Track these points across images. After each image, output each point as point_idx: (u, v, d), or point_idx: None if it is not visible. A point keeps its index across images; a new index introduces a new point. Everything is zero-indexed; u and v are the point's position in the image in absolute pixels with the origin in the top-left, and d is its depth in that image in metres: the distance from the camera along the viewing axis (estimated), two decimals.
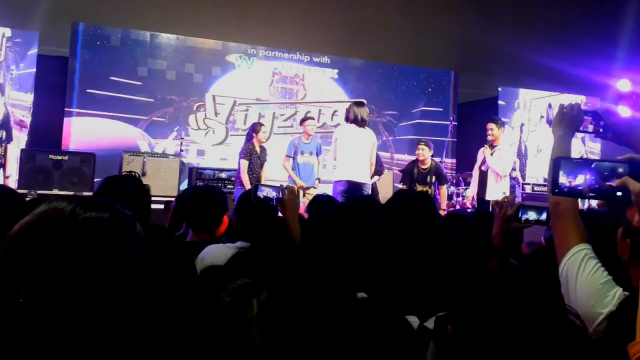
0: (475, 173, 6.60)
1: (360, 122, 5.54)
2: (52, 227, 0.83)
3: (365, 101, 6.14)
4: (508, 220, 2.07)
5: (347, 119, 5.63)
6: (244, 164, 6.65)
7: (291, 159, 6.84)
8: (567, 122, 1.83)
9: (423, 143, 6.97)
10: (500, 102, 9.55)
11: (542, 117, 9.77)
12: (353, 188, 5.47)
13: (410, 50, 9.40)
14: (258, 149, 6.79)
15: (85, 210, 0.86)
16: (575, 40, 9.49)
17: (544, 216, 1.97)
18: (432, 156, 6.97)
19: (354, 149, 5.58)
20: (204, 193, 2.77)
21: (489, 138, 6.47)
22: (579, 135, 1.94)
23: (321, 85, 9.20)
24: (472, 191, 6.66)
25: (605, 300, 1.46)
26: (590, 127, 1.82)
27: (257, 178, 6.70)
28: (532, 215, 2.00)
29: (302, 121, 7.20)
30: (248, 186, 6.47)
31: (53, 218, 0.85)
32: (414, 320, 1.59)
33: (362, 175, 5.57)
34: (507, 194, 6.41)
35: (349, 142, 5.59)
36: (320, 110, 9.08)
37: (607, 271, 1.53)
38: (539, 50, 9.21)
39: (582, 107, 1.87)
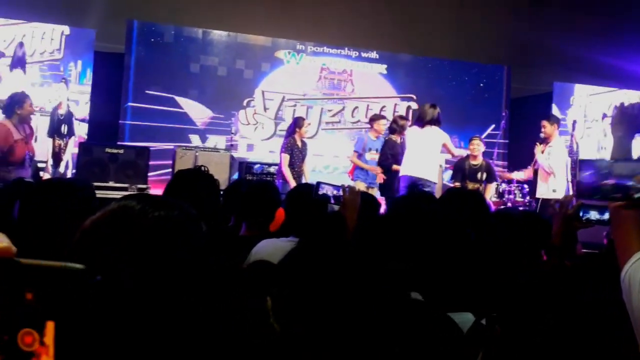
0: (530, 171, 6.57)
1: (427, 122, 5.89)
2: (122, 224, 0.87)
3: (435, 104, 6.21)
4: (569, 219, 2.03)
5: (416, 120, 6.00)
6: (286, 158, 6.69)
7: (359, 155, 6.85)
8: (628, 123, 1.75)
9: (477, 138, 6.92)
10: (554, 98, 9.29)
11: (604, 115, 9.40)
12: (414, 183, 5.67)
13: (461, 45, 9.25)
14: (299, 144, 6.82)
15: (155, 209, 0.89)
16: (632, 35, 9.14)
17: (606, 216, 1.91)
18: (483, 153, 6.91)
19: (419, 146, 5.87)
20: (259, 188, 2.78)
21: (542, 135, 6.42)
22: None
23: (370, 80, 9.16)
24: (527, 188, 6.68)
25: None
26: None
27: (299, 172, 6.74)
28: (593, 215, 1.96)
29: (373, 120, 7.15)
30: (290, 180, 6.55)
31: (123, 215, 0.88)
32: (468, 318, 1.58)
33: (427, 172, 5.81)
34: (557, 192, 6.28)
35: (415, 140, 5.93)
36: (368, 105, 9.05)
37: None
38: (594, 45, 8.92)
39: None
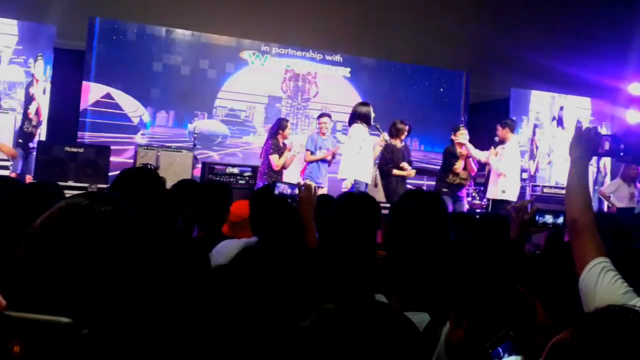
0: (489, 153, 6.84)
1: (353, 120, 6.01)
2: (70, 221, 0.89)
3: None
4: (526, 224, 2.12)
5: (357, 118, 5.89)
6: (275, 158, 6.71)
7: (312, 154, 6.90)
8: (585, 144, 1.83)
9: (462, 127, 7.06)
10: (511, 103, 9.58)
11: (553, 118, 9.78)
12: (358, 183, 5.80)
13: (422, 50, 9.43)
14: (281, 144, 6.88)
15: (101, 205, 0.91)
16: (586, 43, 9.50)
17: (560, 220, 2.01)
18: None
19: (364, 148, 5.92)
20: (214, 188, 2.81)
21: (496, 139, 6.71)
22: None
23: (333, 83, 9.26)
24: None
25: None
26: (609, 147, 1.84)
27: (277, 173, 6.80)
28: (549, 219, 2.05)
29: (318, 118, 7.27)
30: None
31: (71, 212, 0.91)
32: (424, 318, 1.64)
33: (353, 172, 5.96)
34: (507, 192, 6.52)
35: (361, 141, 5.95)
36: (331, 108, 9.14)
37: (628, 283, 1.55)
38: (550, 53, 9.23)
39: (599, 131, 1.88)
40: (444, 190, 6.63)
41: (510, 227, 2.29)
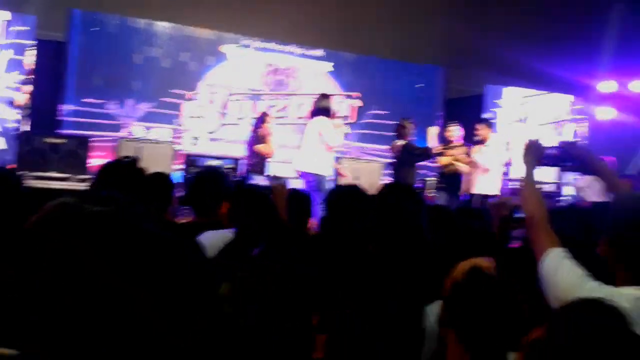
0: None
1: (314, 113, 6.13)
2: (60, 222, 0.87)
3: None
4: (504, 220, 2.29)
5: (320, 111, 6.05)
6: (263, 147, 6.86)
7: None
8: (532, 154, 2.08)
9: (453, 124, 7.23)
10: (485, 100, 9.78)
11: (524, 117, 9.99)
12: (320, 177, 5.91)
13: (402, 45, 9.56)
14: (264, 137, 6.97)
15: (91, 205, 0.89)
16: (558, 42, 9.73)
17: None
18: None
19: (305, 138, 6.18)
20: (203, 175, 2.90)
21: (477, 138, 6.87)
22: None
23: (315, 78, 9.34)
24: (464, 186, 7.03)
25: (583, 292, 1.59)
26: (554, 157, 2.09)
27: (262, 164, 6.91)
28: None
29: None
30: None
31: (61, 213, 0.88)
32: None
33: (309, 164, 6.04)
34: (492, 188, 6.72)
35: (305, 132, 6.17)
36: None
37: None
38: (525, 50, 9.43)
39: (542, 143, 2.11)
40: (441, 185, 6.91)
41: (491, 222, 2.42)
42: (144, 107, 8.36)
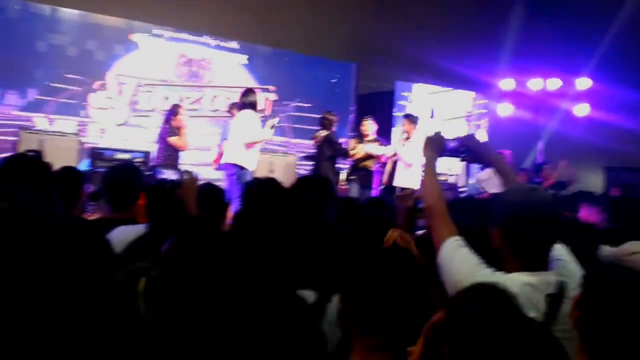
0: (389, 163, 7.18)
1: (241, 107, 6.14)
2: None
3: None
4: (410, 211, 2.32)
5: (247, 106, 6.04)
6: (176, 139, 6.76)
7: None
8: (433, 147, 2.17)
9: (368, 119, 7.33)
10: (396, 95, 10.11)
11: (432, 112, 10.44)
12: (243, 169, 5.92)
13: (316, 40, 9.66)
14: (176, 130, 6.86)
15: None
16: (464, 41, 10.25)
17: None
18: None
19: (231, 132, 6.15)
20: (117, 169, 2.81)
21: (404, 134, 7.10)
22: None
23: (229, 70, 9.25)
24: (384, 178, 7.23)
25: (477, 278, 1.68)
26: (454, 149, 2.20)
27: (176, 157, 6.79)
28: None
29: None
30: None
31: None
32: (308, 294, 1.78)
33: (236, 158, 6.01)
34: (415, 182, 6.94)
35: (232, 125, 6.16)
36: (227, 95, 9.15)
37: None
38: (432, 48, 9.86)
39: (443, 135, 2.21)
40: (353, 177, 7.05)
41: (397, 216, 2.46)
42: (48, 97, 7.93)
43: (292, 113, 9.71)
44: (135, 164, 5.48)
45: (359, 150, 7.19)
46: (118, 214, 2.63)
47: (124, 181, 2.68)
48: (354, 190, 7.02)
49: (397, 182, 7.03)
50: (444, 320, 0.92)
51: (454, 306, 0.95)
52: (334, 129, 7.10)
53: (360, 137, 7.38)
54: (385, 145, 7.37)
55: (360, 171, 7.18)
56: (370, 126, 7.28)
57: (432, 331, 0.93)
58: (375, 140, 7.30)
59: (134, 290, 0.80)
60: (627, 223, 3.26)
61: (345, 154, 7.08)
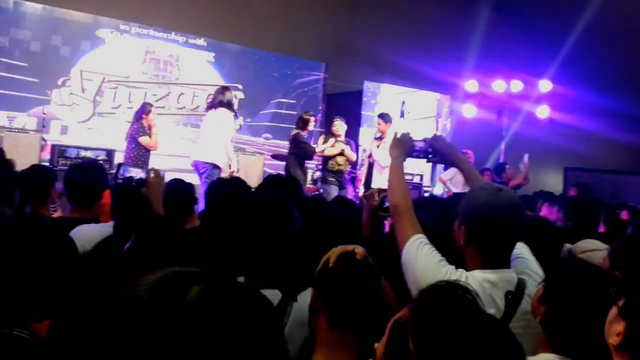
0: (365, 163, 7.19)
1: (213, 105, 6.12)
2: None
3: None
4: (374, 210, 2.34)
5: (222, 104, 6.04)
6: (147, 139, 6.67)
7: None
8: (401, 147, 2.20)
9: (337, 118, 7.29)
10: (364, 95, 10.18)
11: (402, 112, 10.56)
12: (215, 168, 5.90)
13: (285, 39, 9.68)
14: (147, 128, 6.79)
15: None
16: (430, 43, 10.41)
17: None
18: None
19: (204, 130, 6.20)
20: (81, 168, 2.77)
21: (377, 133, 7.12)
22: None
23: (197, 67, 9.18)
24: (362, 180, 7.24)
25: (440, 275, 1.73)
26: (421, 149, 2.24)
27: (147, 157, 6.71)
28: None
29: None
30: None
31: None
32: (275, 294, 1.77)
33: (208, 155, 6.01)
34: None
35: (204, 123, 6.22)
36: (194, 92, 9.09)
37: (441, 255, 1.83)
38: (400, 50, 9.99)
39: (412, 137, 2.24)
40: (330, 179, 7.01)
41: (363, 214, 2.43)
42: (8, 93, 7.73)
43: (262, 112, 9.69)
44: (98, 162, 5.38)
45: (330, 146, 7.09)
46: (79, 213, 2.59)
47: (85, 180, 2.63)
48: (328, 191, 6.96)
49: (375, 184, 7.02)
50: (406, 318, 0.94)
51: (418, 303, 0.97)
52: (309, 128, 7.04)
53: (330, 136, 7.36)
54: (354, 148, 7.35)
55: (333, 172, 7.13)
56: (341, 126, 7.25)
57: (396, 328, 0.94)
58: (347, 143, 7.24)
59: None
60: (580, 222, 3.36)
61: (306, 155, 6.96)
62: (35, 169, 2.90)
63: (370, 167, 7.22)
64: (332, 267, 1.54)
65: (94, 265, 1.45)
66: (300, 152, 6.92)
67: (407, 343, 0.89)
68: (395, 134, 2.27)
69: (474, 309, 0.95)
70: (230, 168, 6.08)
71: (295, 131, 7.03)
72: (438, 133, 8.31)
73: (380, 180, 6.91)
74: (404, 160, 2.20)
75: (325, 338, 1.50)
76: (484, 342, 0.86)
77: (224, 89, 6.25)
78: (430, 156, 2.26)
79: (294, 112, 9.49)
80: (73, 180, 2.64)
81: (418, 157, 2.26)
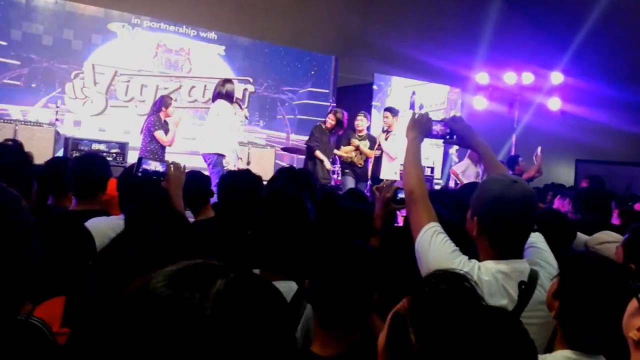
0: (372, 157, 7.20)
1: (216, 97, 6.06)
2: None
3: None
4: (387, 202, 2.30)
5: (222, 96, 6.03)
6: (161, 134, 6.52)
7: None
8: (418, 128, 2.12)
9: (361, 114, 7.26)
10: (374, 87, 10.16)
11: (412, 103, 10.54)
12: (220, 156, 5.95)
13: (296, 33, 9.68)
14: (164, 122, 6.67)
15: None
16: (440, 35, 10.36)
17: None
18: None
19: (233, 124, 6.13)
20: (85, 160, 2.77)
21: (384, 126, 7.10)
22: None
23: (207, 60, 9.20)
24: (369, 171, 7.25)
25: (452, 265, 1.70)
26: (439, 131, 2.15)
27: (161, 152, 6.62)
28: None
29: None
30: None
31: None
32: (291, 287, 1.80)
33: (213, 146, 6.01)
34: (399, 174, 6.97)
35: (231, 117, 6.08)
36: (205, 85, 9.11)
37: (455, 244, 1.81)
38: (410, 43, 9.94)
39: (431, 117, 2.16)
40: (345, 170, 7.02)
41: (375, 206, 2.40)
42: (22, 86, 7.81)
43: (271, 105, 9.71)
44: (100, 154, 5.37)
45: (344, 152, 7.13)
46: (84, 205, 2.59)
47: (87, 171, 2.63)
48: (348, 183, 6.95)
49: (384, 175, 7.02)
50: (407, 309, 0.92)
51: (417, 294, 0.95)
52: (328, 125, 6.93)
53: (353, 132, 7.32)
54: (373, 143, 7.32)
55: (350, 165, 7.13)
56: (362, 121, 7.19)
57: (395, 319, 0.93)
58: (367, 138, 7.19)
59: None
60: (591, 214, 3.35)
61: (308, 148, 6.95)
62: (55, 161, 2.91)
63: (377, 160, 7.21)
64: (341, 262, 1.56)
65: (113, 260, 1.48)
66: (307, 143, 6.98)
67: (408, 334, 0.87)
68: (414, 113, 2.19)
69: (472, 297, 0.94)
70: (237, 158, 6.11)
71: (318, 124, 7.04)
72: (457, 114, 8.22)
73: (390, 170, 6.93)
74: (422, 141, 2.12)
75: (318, 331, 1.54)
76: (484, 329, 0.85)
77: (225, 81, 6.23)
78: (447, 137, 2.18)
79: (305, 102, 9.49)
80: (75, 173, 2.65)
81: (436, 137, 2.18)
